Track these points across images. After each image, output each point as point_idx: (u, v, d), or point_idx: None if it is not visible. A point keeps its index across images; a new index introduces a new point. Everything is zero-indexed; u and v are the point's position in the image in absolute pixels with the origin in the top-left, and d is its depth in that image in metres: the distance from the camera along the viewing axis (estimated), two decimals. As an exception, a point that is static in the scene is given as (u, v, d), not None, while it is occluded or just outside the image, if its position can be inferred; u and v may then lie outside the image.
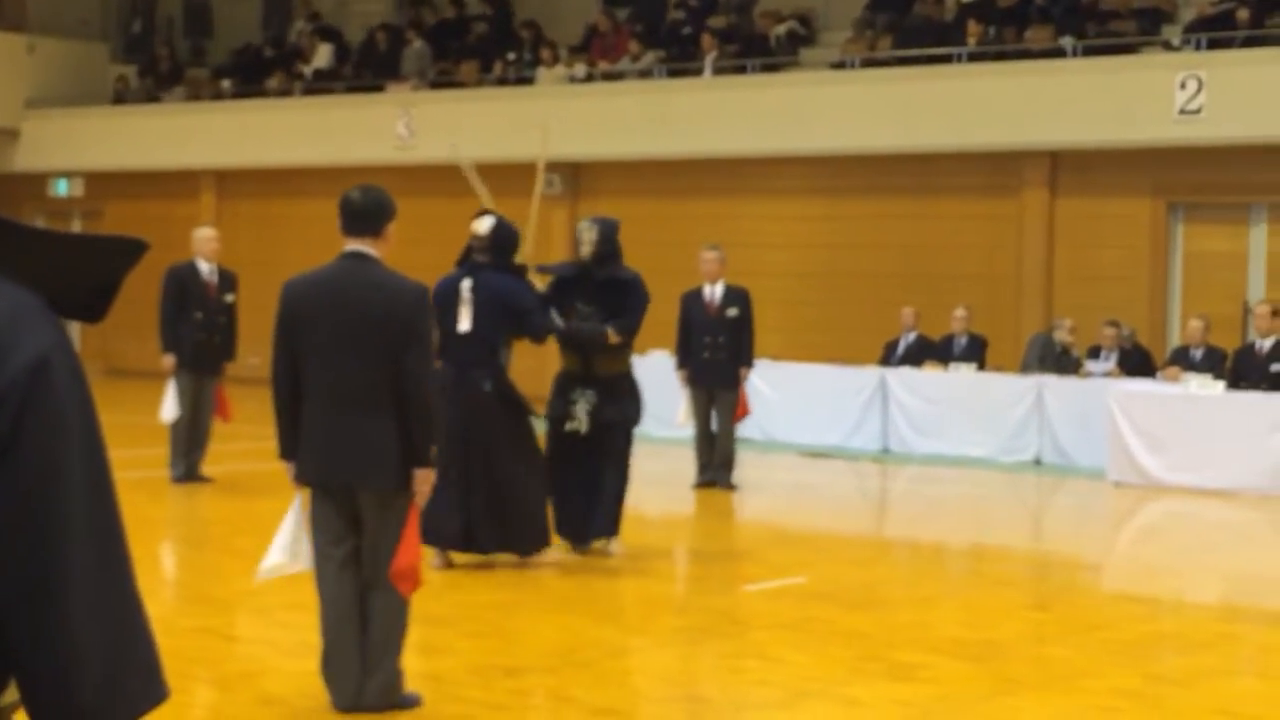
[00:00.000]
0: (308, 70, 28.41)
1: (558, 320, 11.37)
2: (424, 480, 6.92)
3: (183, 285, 14.83)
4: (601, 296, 11.53)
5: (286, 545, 7.11)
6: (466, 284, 10.68)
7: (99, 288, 1.90)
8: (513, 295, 10.71)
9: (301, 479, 7.09)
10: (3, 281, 1.80)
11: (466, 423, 10.56)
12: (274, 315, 7.11)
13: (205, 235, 15.18)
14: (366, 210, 7.01)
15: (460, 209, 24.00)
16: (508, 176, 24.92)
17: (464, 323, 10.65)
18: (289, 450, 7.10)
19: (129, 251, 1.90)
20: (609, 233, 11.65)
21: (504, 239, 10.85)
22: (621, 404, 11.53)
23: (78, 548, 1.79)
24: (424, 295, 7.00)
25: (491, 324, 10.64)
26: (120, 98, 30.19)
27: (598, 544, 11.69)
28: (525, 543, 10.92)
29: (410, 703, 7.24)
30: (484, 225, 10.81)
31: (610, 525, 11.65)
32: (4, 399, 1.76)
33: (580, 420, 11.45)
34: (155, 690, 1.86)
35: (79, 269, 1.87)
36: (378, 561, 6.94)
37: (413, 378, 6.85)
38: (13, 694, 1.85)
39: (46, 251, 1.85)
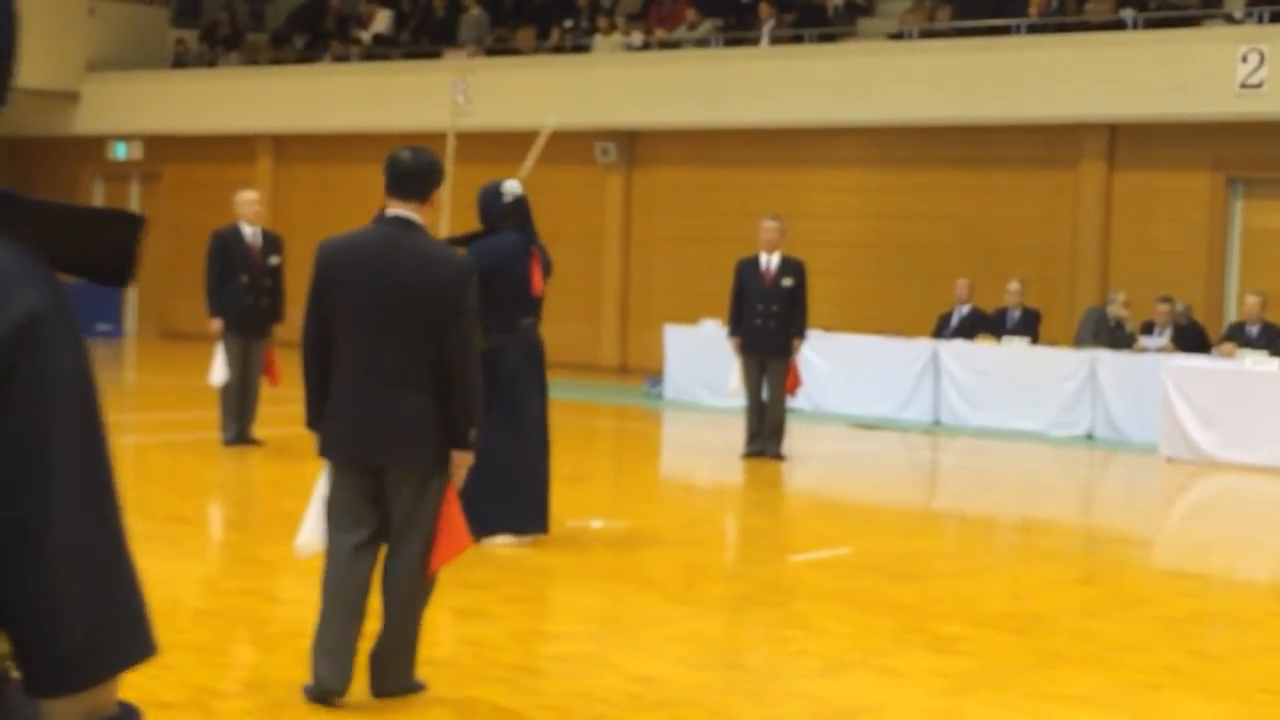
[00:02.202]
0: (365, 36, 28.46)
1: None
2: (462, 464, 6.51)
3: (227, 248, 14.87)
4: None
5: (317, 520, 6.75)
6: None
7: (117, 254, 1.92)
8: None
9: (326, 453, 6.65)
10: (2, 241, 1.82)
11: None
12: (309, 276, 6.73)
13: (246, 198, 15.20)
14: (416, 172, 6.59)
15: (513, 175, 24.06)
16: (564, 145, 24.93)
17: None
18: (316, 420, 6.67)
19: (127, 225, 1.92)
20: (479, 196, 10.69)
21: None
22: None
23: (62, 502, 1.81)
24: (471, 268, 6.61)
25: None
26: (179, 61, 30.31)
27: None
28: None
29: (416, 688, 6.85)
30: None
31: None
32: None
33: None
34: (141, 645, 1.87)
35: (91, 238, 1.90)
36: (406, 546, 6.53)
37: (457, 354, 6.43)
38: (5, 644, 1.86)
39: (52, 220, 1.87)
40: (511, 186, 10.66)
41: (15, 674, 1.86)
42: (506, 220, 10.55)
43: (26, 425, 1.79)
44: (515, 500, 10.60)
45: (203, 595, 9.12)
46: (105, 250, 1.91)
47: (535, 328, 10.78)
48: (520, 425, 10.60)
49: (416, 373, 6.43)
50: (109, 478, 1.88)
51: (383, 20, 28.63)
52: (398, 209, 6.60)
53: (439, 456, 6.46)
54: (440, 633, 8.05)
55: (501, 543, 10.51)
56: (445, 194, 11.17)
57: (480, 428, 6.61)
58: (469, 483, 6.73)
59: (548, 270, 10.83)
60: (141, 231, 1.91)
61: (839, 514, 13.11)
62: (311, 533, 6.82)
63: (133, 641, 1.87)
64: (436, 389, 6.44)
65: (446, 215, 11.44)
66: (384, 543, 6.65)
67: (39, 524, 1.80)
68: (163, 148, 29.54)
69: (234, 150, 28.34)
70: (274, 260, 15.13)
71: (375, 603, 6.68)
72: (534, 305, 10.72)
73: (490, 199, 10.61)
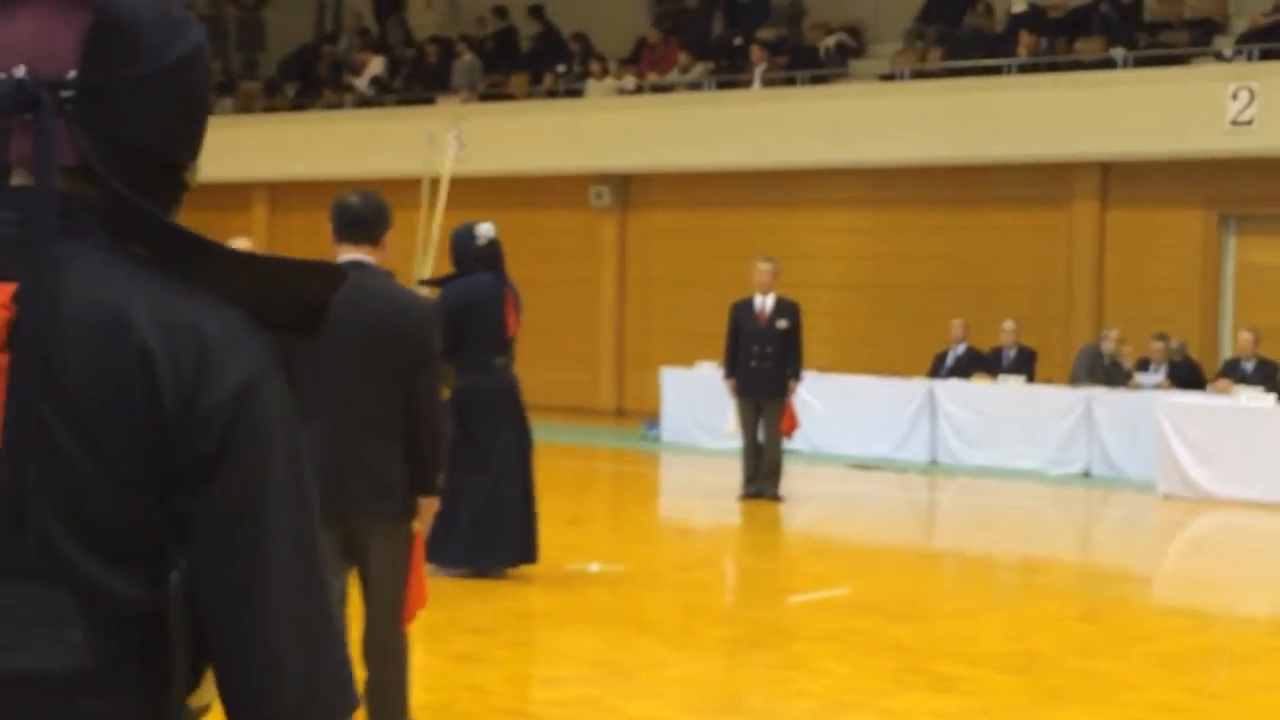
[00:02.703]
0: (359, 83, 28.55)
1: None
2: (429, 509, 6.43)
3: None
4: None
5: None
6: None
7: (308, 307, 1.96)
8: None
9: None
10: (215, 301, 1.86)
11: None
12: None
13: (239, 246, 15.20)
14: (367, 216, 6.43)
15: (511, 222, 24.09)
16: (558, 189, 25.03)
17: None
18: None
19: (328, 278, 1.96)
20: (450, 239, 10.84)
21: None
22: None
23: (280, 563, 1.86)
24: (434, 312, 6.54)
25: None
26: (173, 110, 30.31)
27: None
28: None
29: None
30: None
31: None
32: (212, 420, 1.82)
33: None
34: (348, 700, 1.92)
35: (286, 289, 1.93)
36: (387, 595, 6.41)
37: (425, 399, 6.33)
38: (203, 696, 1.91)
39: (252, 273, 1.91)
40: (485, 229, 10.80)
41: None
42: (479, 262, 10.67)
43: (247, 490, 1.84)
44: (486, 537, 10.72)
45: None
46: (297, 302, 1.95)
47: (509, 368, 10.90)
48: (491, 464, 10.68)
49: (386, 419, 6.30)
50: (316, 537, 1.92)
51: (376, 67, 28.72)
52: (350, 254, 6.42)
53: (408, 504, 6.36)
54: (439, 678, 8.04)
55: (452, 573, 10.67)
56: (433, 238, 11.26)
57: (445, 472, 6.54)
58: (440, 522, 6.69)
59: (519, 311, 10.91)
60: (341, 285, 1.95)
61: (837, 555, 13.10)
62: None
63: (340, 696, 1.91)
64: (403, 435, 6.32)
65: (431, 258, 11.48)
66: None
67: (260, 585, 1.84)
68: (157, 196, 29.53)
69: (229, 199, 28.38)
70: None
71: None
72: (507, 346, 10.86)
73: (463, 241, 10.74)
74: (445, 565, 10.74)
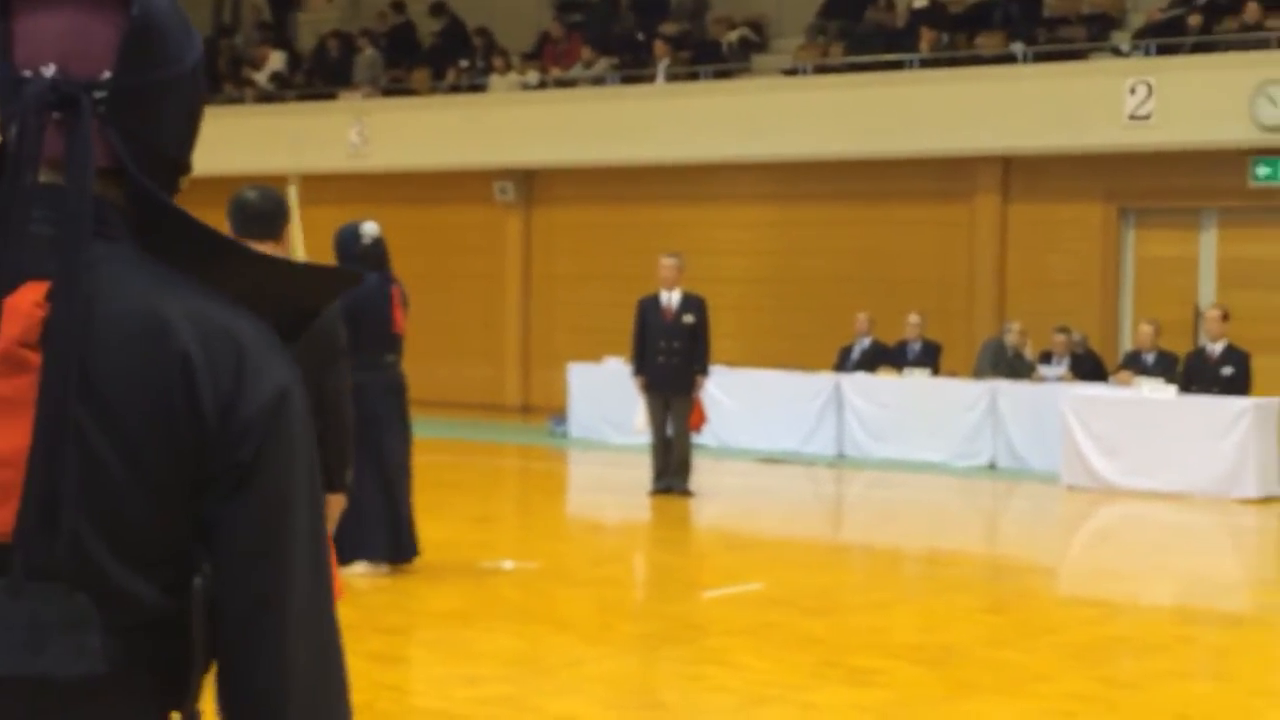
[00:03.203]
0: (259, 78, 28.33)
1: None
2: (336, 506, 6.39)
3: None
4: None
5: None
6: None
7: (300, 313, 1.96)
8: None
9: None
10: (243, 311, 1.86)
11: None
12: None
13: None
14: (266, 211, 6.33)
15: (415, 217, 24.05)
16: (462, 185, 24.96)
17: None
18: None
19: (340, 282, 1.97)
20: (336, 238, 10.87)
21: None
22: None
23: (300, 574, 1.88)
24: (338, 310, 6.45)
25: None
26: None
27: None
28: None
29: None
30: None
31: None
32: (251, 428, 1.84)
33: None
34: (348, 709, 1.94)
35: (283, 294, 1.94)
36: None
37: (333, 397, 6.29)
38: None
39: (262, 275, 1.92)
40: (370, 228, 10.86)
41: None
42: (364, 261, 10.70)
43: (277, 498, 1.85)
44: (378, 531, 10.76)
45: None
46: (293, 306, 1.96)
47: (398, 365, 11.00)
48: (382, 460, 10.73)
49: None
50: (327, 549, 1.93)
51: (276, 62, 28.52)
52: None
53: None
54: (357, 678, 7.97)
55: (358, 571, 10.63)
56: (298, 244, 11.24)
57: (351, 468, 6.49)
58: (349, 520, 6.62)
59: (406, 308, 11.06)
60: (349, 288, 1.97)
61: (749, 549, 13.16)
62: None
63: (340, 707, 1.92)
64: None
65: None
66: None
67: (282, 594, 1.85)
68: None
69: (128, 195, 28.11)
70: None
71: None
72: (396, 343, 10.96)
73: (349, 240, 10.81)
74: (374, 560, 10.77)
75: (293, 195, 11.55)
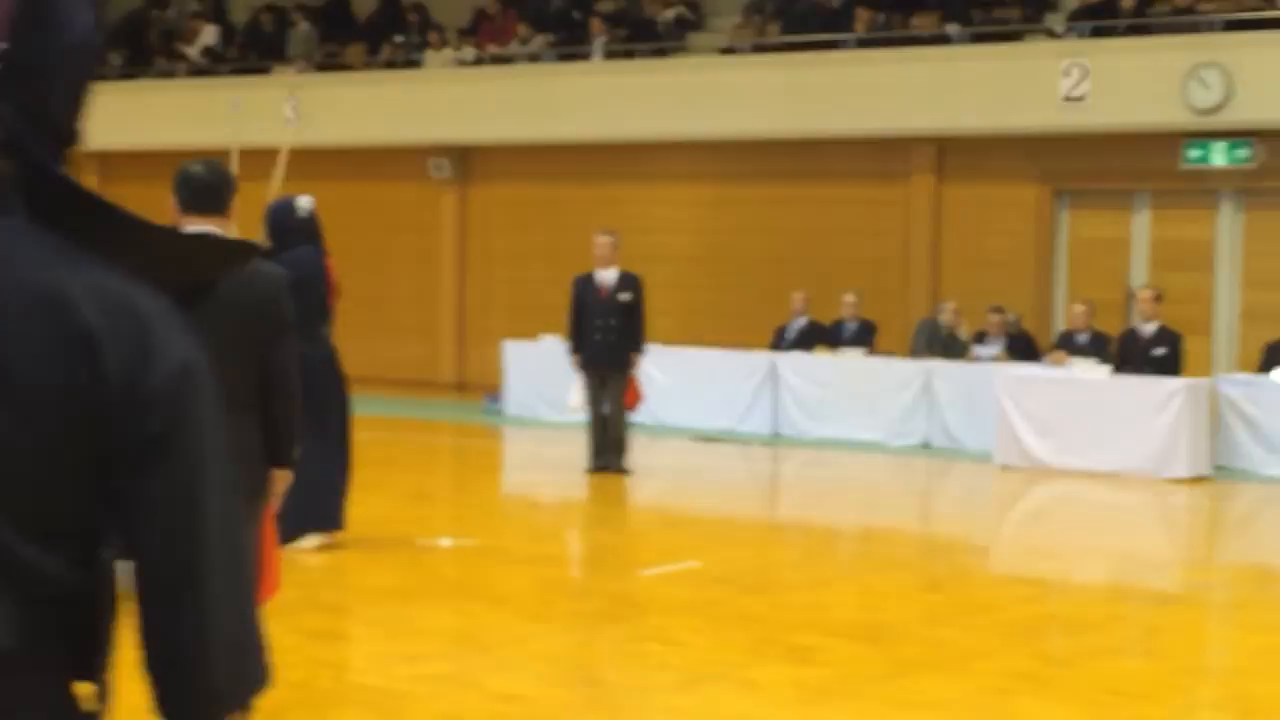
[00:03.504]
0: (192, 52, 28.10)
1: None
2: (283, 481, 6.31)
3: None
4: None
5: None
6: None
7: (195, 285, 1.95)
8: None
9: None
10: (142, 284, 1.84)
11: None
12: None
13: None
14: (214, 185, 6.26)
15: (349, 193, 23.94)
16: (397, 161, 24.86)
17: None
18: None
19: (239, 253, 1.96)
20: (269, 213, 10.98)
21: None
22: None
23: (216, 542, 1.88)
24: (285, 282, 6.35)
25: None
26: None
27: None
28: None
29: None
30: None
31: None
32: (156, 400, 1.83)
33: None
34: (266, 673, 1.95)
35: (179, 266, 1.92)
36: None
37: (281, 371, 6.22)
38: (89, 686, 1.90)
39: (154, 246, 1.89)
40: (305, 202, 10.93)
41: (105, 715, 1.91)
42: (299, 234, 10.78)
43: (187, 470, 1.84)
44: (322, 504, 10.87)
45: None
46: (189, 276, 1.94)
47: (330, 338, 11.10)
48: (323, 432, 10.75)
49: (238, 393, 6.02)
50: (240, 514, 1.93)
51: (209, 35, 28.30)
52: (197, 225, 6.17)
53: (264, 479, 6.22)
54: (296, 655, 7.99)
55: (310, 545, 10.76)
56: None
57: (299, 444, 6.43)
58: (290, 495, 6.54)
59: (336, 282, 11.20)
60: (250, 259, 1.96)
61: (686, 527, 13.20)
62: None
63: (260, 670, 1.94)
64: (259, 408, 6.17)
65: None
66: None
67: (201, 565, 1.84)
68: (-16, 166, 28.90)
69: (58, 169, 27.85)
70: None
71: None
72: (329, 316, 11.07)
73: (284, 215, 10.88)
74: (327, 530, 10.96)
75: (281, 163, 11.51)
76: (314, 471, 10.67)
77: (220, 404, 1.91)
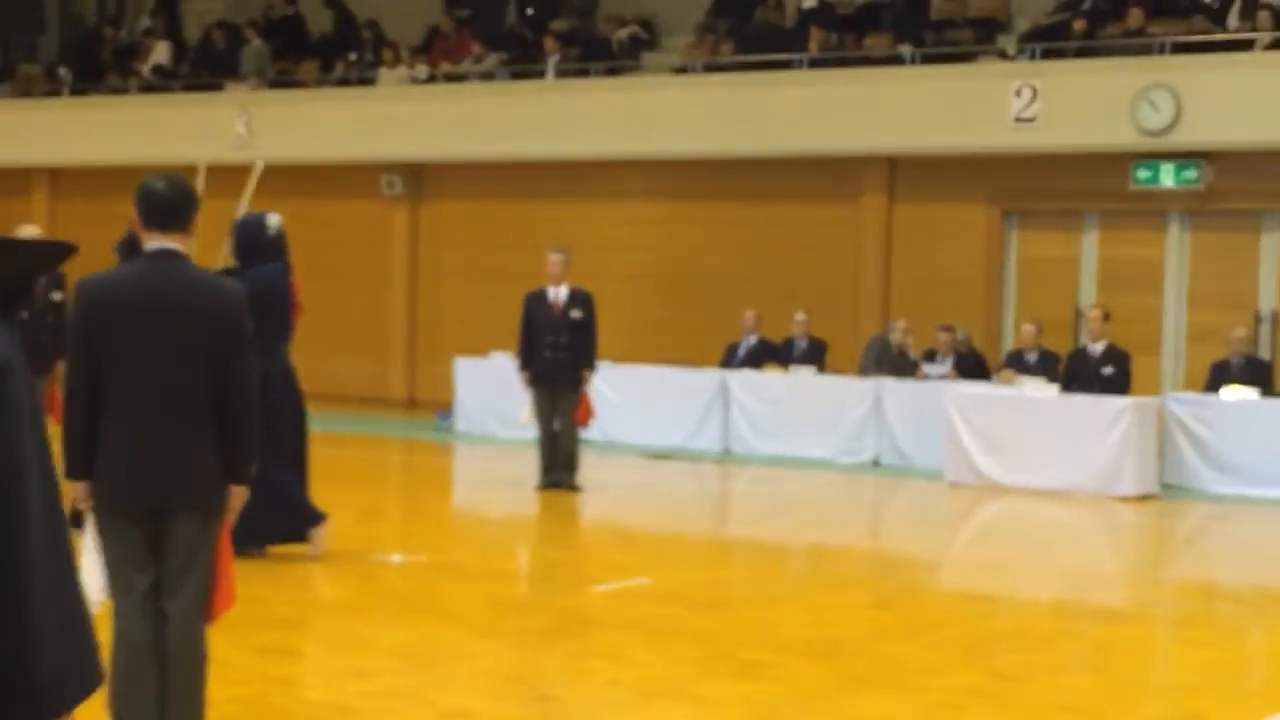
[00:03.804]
0: (144, 68, 28.01)
1: None
2: (239, 497, 6.28)
3: (4, 285, 14.58)
4: None
5: (95, 571, 6.35)
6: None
7: (14, 285, 1.93)
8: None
9: (104, 500, 6.23)
10: None
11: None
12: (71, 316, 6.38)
13: (28, 233, 14.96)
14: (176, 202, 6.22)
15: (301, 210, 23.87)
16: (350, 178, 24.83)
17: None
18: (82, 469, 6.20)
19: (50, 255, 1.94)
20: (238, 228, 11.26)
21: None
22: None
23: (37, 539, 1.84)
24: (245, 297, 6.36)
25: None
26: (-51, 93, 29.57)
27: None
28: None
29: None
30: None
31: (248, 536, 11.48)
32: None
33: None
34: (96, 673, 1.93)
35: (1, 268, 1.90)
36: (185, 587, 6.19)
37: (240, 387, 6.19)
38: None
39: None
40: (275, 220, 11.12)
41: None
42: (270, 251, 11.00)
43: (6, 471, 1.81)
44: (284, 515, 11.08)
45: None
46: (10, 278, 1.93)
47: (289, 354, 11.28)
48: (282, 446, 10.92)
49: (197, 409, 6.12)
50: (64, 515, 1.91)
51: (162, 52, 28.21)
52: (160, 242, 6.20)
53: (221, 494, 6.21)
54: (246, 671, 7.97)
55: (308, 551, 11.15)
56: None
57: (256, 460, 6.42)
58: (244, 506, 6.52)
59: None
60: (64, 258, 1.94)
61: (637, 544, 13.21)
62: (90, 586, 6.37)
63: (90, 670, 1.91)
64: (216, 423, 6.17)
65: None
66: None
67: (20, 563, 1.82)
68: (-68, 181, 28.75)
69: (7, 184, 27.70)
70: (56, 296, 14.79)
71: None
72: (291, 332, 11.24)
73: (254, 231, 11.11)
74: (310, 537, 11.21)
75: (201, 179, 11.51)
76: (278, 488, 10.87)
77: (39, 406, 1.90)
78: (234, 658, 8.15)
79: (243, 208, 11.72)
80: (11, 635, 1.84)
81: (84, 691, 1.91)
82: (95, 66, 28.73)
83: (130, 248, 10.68)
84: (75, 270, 16.74)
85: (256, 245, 11.03)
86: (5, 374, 1.82)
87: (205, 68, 27.28)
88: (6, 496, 1.82)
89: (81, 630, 1.91)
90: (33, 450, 1.86)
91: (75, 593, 1.91)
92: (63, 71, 28.60)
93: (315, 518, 11.25)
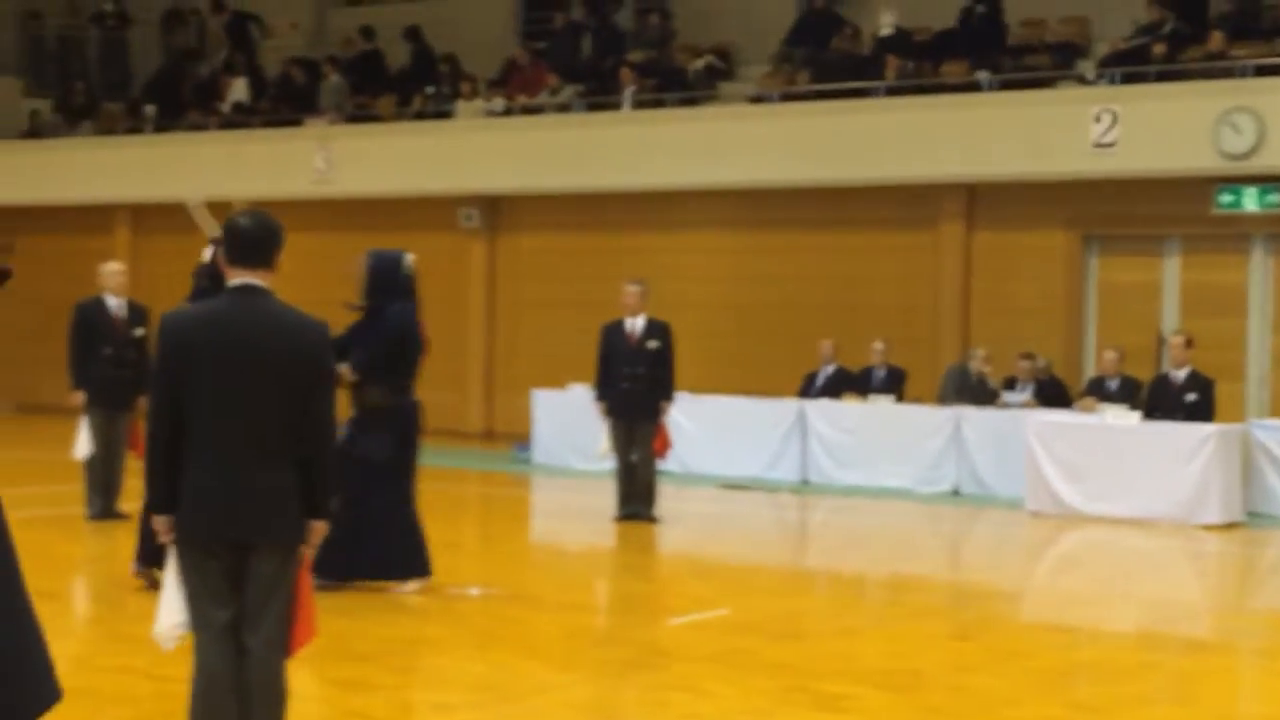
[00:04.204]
0: (224, 105, 28.28)
1: None
2: (319, 533, 6.32)
3: (90, 321, 14.74)
4: (368, 333, 11.49)
5: (176, 603, 6.41)
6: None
7: None
8: None
9: (185, 535, 6.28)
10: None
11: None
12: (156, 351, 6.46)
13: (112, 269, 15.11)
14: (261, 239, 6.31)
15: (379, 243, 23.96)
16: (428, 211, 24.94)
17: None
18: (165, 503, 6.28)
19: None
20: (375, 267, 11.47)
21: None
22: (370, 440, 11.36)
23: None
24: (328, 332, 6.40)
25: None
26: (33, 131, 29.93)
27: (392, 585, 11.44)
28: None
29: None
30: (208, 254, 10.91)
31: (379, 567, 11.38)
32: None
33: None
34: (51, 691, 1.90)
35: None
36: (268, 623, 6.25)
37: (321, 422, 6.26)
38: None
39: None
40: (409, 260, 11.42)
41: None
42: (405, 290, 11.41)
43: None
44: (415, 553, 11.45)
45: (75, 673, 8.95)
46: None
47: (414, 390, 11.68)
48: (411, 479, 11.56)
49: (279, 444, 6.19)
50: (7, 534, 1.89)
51: (240, 89, 28.47)
52: (243, 277, 6.30)
53: (301, 529, 6.26)
54: (325, 705, 7.98)
55: (411, 589, 11.34)
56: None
57: (336, 495, 6.46)
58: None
59: None
60: (2, 283, 1.92)
61: (714, 575, 13.15)
62: (171, 618, 6.49)
63: (44, 688, 1.89)
64: (297, 458, 6.23)
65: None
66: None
67: None
68: (15, 219, 29.10)
69: (90, 221, 28.02)
70: (138, 332, 14.95)
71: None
72: (418, 370, 11.64)
73: (392, 269, 11.46)
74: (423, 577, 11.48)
75: (201, 216, 11.49)
76: (410, 520, 11.42)
77: None
78: (312, 691, 8.16)
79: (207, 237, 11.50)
80: None
81: (38, 708, 1.89)
82: (176, 104, 29.01)
83: (209, 276, 10.74)
84: (160, 305, 16.92)
85: (392, 284, 11.37)
86: None
87: (284, 103, 27.51)
88: None
89: (31, 649, 1.88)
90: None
91: (22, 613, 1.88)
92: (149, 109, 28.92)
93: (427, 569, 11.48)
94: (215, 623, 6.26)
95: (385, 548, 11.30)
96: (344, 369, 11.06)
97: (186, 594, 6.33)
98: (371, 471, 11.26)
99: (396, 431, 11.39)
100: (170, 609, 6.41)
